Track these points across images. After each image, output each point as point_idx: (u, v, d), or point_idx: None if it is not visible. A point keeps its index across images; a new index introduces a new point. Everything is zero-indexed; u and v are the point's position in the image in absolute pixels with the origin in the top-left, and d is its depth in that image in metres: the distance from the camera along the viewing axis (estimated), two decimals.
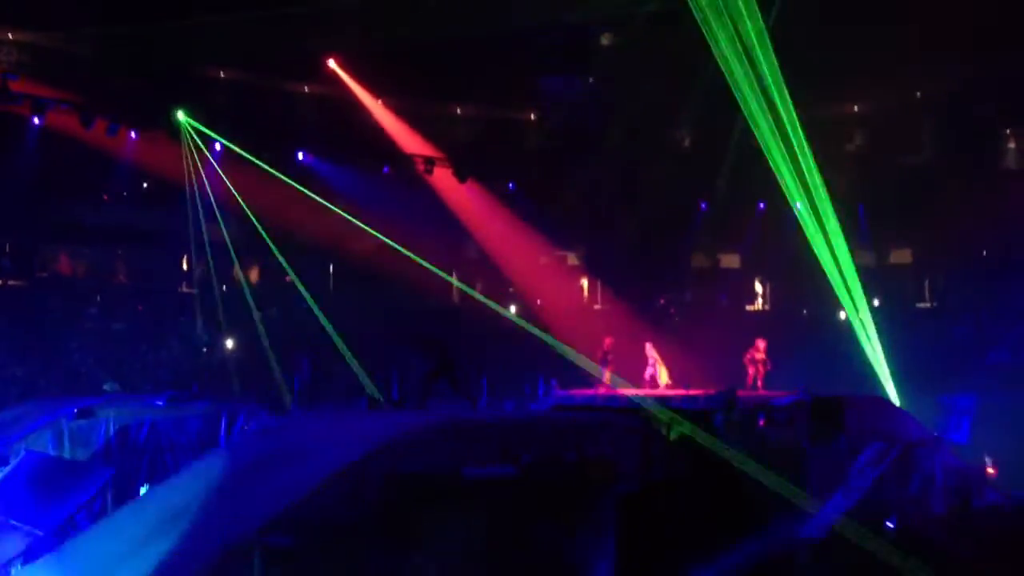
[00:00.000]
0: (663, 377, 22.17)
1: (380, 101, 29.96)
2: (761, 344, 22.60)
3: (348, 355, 26.19)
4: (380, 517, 11.44)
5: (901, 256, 31.90)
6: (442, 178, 30.09)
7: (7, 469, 17.34)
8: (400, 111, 30.14)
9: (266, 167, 26.36)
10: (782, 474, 16.54)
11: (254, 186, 27.01)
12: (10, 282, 26.33)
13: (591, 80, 30.97)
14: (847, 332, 24.72)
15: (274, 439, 14.68)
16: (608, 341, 22.94)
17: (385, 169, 29.40)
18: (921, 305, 31.26)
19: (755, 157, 31.10)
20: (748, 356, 22.37)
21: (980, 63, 25.52)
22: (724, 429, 16.21)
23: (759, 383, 22.04)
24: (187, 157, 25.75)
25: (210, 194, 26.49)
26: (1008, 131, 29.97)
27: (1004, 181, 28.75)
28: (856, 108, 31.17)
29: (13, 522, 15.11)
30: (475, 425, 13.78)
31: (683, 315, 32.12)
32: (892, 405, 20.04)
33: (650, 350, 22.42)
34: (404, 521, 11.51)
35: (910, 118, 29.84)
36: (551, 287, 32.68)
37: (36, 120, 24.60)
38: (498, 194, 31.30)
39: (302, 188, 26.88)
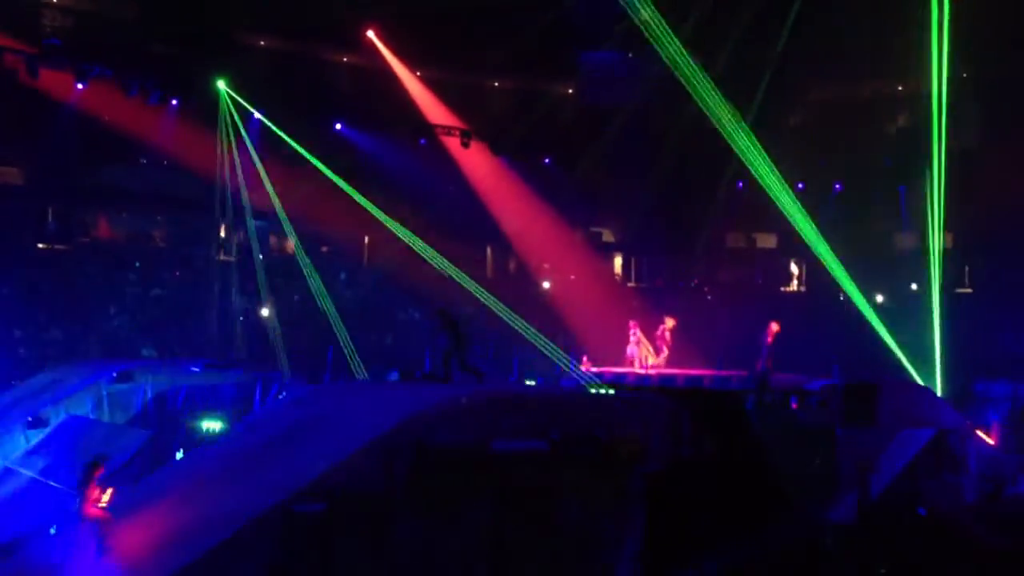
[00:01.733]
0: (651, 357, 21.48)
1: (417, 73, 29.88)
2: (774, 327, 22.19)
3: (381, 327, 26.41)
4: (409, 487, 11.55)
5: (942, 240, 31.42)
6: (477, 152, 30.02)
7: (47, 431, 17.73)
8: (437, 83, 30.06)
9: (302, 141, 26.47)
10: (813, 457, 16.48)
11: (291, 156, 27.15)
12: (55, 246, 26.73)
13: (629, 55, 30.66)
14: (884, 316, 24.46)
15: (307, 408, 14.84)
16: (666, 324, 22.34)
17: (422, 141, 29.40)
18: (961, 290, 30.83)
19: (794, 137, 30.88)
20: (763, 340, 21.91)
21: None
22: (756, 411, 16.15)
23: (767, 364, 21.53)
24: (224, 127, 25.90)
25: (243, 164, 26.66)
26: None
27: None
28: (900, 88, 30.65)
29: (53, 483, 15.46)
30: (506, 400, 13.82)
31: (717, 295, 31.93)
32: (927, 391, 19.82)
33: (634, 330, 21.74)
34: (433, 492, 11.61)
35: (955, 100, 29.28)
36: (585, 264, 32.65)
37: (79, 85, 24.86)
38: (533, 169, 31.20)
39: (335, 162, 27.05)
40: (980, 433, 19.33)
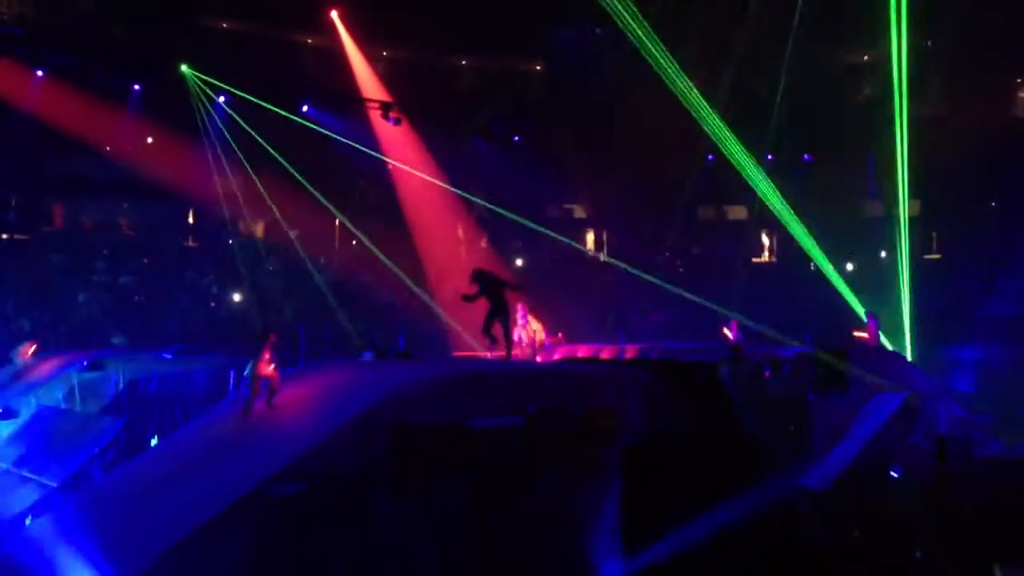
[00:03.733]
0: (539, 338, 20.97)
1: (384, 53, 29.63)
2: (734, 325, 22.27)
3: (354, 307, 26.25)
4: (388, 466, 11.56)
5: (909, 207, 31.74)
6: (445, 130, 29.87)
7: (19, 422, 17.54)
8: (403, 63, 29.84)
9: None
10: (786, 425, 16.66)
11: (258, 140, 26.93)
12: (16, 236, 26.39)
13: (597, 30, 30.57)
14: (854, 284, 24.74)
15: (283, 390, 14.77)
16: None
17: (391, 121, 29.18)
18: (929, 257, 31.15)
19: (764, 108, 30.95)
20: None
21: (989, 11, 25.16)
22: (729, 380, 16.27)
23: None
24: (188, 111, 25.60)
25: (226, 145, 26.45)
26: (1018, 80, 29.62)
27: (1014, 130, 28.47)
28: (866, 57, 30.80)
29: (26, 473, 15.32)
30: (481, 376, 13.84)
31: (688, 268, 32.06)
32: (897, 356, 20.10)
33: (521, 310, 21.16)
34: (411, 470, 11.63)
35: (919, 67, 29.46)
36: (557, 241, 32.66)
37: (39, 72, 24.48)
38: (503, 147, 31.11)
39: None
40: (857, 334, 20.16)
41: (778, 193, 25.57)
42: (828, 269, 24.22)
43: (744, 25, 27.73)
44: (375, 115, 28.41)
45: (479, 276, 15.00)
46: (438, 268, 28.56)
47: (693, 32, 27.46)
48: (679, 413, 13.13)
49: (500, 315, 14.89)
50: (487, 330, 15.21)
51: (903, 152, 23.75)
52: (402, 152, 29.13)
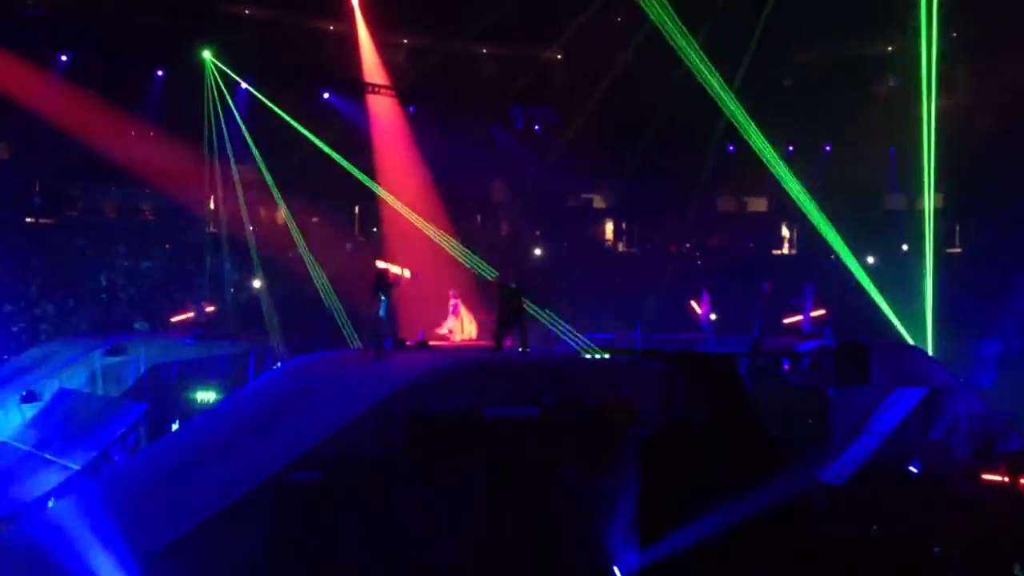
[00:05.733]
0: (468, 330, 20.19)
1: (404, 40, 29.61)
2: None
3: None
4: (406, 455, 11.63)
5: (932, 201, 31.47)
6: (464, 119, 29.82)
7: (41, 405, 17.74)
8: (423, 51, 29.79)
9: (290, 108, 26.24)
10: (805, 419, 16.61)
11: (279, 126, 26.96)
12: (41, 220, 26.57)
13: (619, 19, 30.41)
14: (875, 278, 24.55)
15: (303, 378, 14.88)
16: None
17: (411, 109, 29.18)
18: (951, 251, 30.90)
19: (785, 99, 30.74)
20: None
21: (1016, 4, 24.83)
22: (749, 373, 16.23)
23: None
24: (209, 97, 25.66)
25: (239, 133, 26.47)
26: None
27: None
28: (890, 48, 30.50)
29: (48, 456, 15.50)
30: (499, 366, 13.87)
31: (708, 259, 31.95)
32: (918, 351, 19.96)
33: (452, 298, 20.67)
34: (429, 459, 11.68)
35: (944, 59, 29.14)
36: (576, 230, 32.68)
37: (64, 57, 24.62)
38: (524, 135, 31.06)
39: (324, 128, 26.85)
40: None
41: (799, 183, 25.27)
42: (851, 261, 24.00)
43: (766, 13, 27.49)
44: (392, 103, 28.41)
45: (501, 289, 15.40)
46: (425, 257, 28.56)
47: (714, 19, 27.25)
48: (696, 405, 13.10)
49: (517, 322, 15.18)
50: (497, 334, 15.46)
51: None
52: (417, 139, 29.12)
